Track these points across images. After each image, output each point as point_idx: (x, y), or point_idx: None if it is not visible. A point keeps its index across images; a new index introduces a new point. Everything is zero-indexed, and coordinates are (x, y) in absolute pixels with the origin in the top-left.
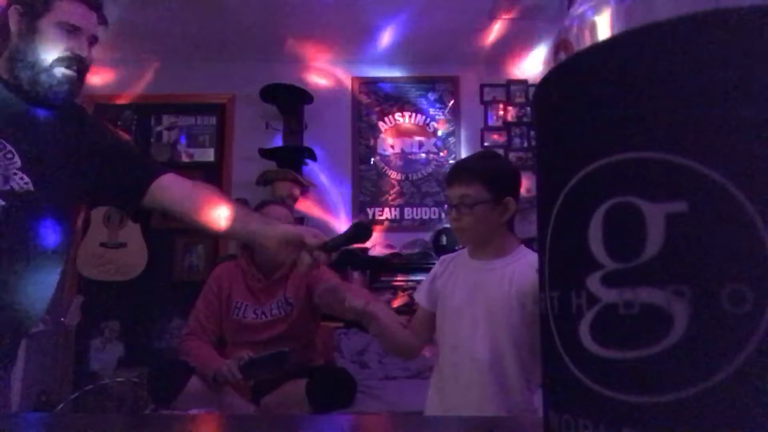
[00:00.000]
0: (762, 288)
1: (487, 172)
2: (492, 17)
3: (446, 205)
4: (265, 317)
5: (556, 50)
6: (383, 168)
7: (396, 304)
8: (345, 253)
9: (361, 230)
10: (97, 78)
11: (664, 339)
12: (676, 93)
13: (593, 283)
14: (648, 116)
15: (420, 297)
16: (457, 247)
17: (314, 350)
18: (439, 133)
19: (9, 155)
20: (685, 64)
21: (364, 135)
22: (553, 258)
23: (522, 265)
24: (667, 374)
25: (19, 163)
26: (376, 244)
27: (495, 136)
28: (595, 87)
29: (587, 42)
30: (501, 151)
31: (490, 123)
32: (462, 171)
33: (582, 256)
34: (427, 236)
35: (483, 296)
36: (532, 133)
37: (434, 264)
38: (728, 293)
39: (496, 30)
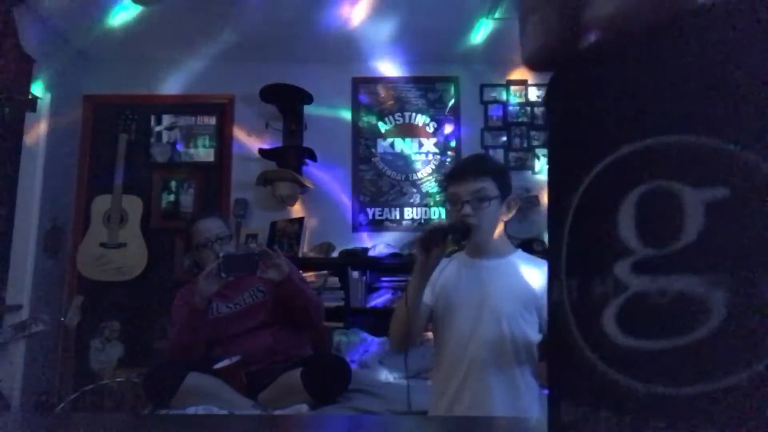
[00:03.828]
0: None
1: (495, 169)
2: (491, 17)
3: (449, 204)
4: (239, 307)
5: (579, 33)
6: (383, 168)
7: (396, 304)
8: (345, 254)
9: None
10: (98, 78)
11: (699, 329)
12: (722, 79)
13: (622, 269)
14: (692, 101)
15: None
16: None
17: (304, 342)
18: (439, 133)
19: None
20: (731, 51)
21: (364, 135)
22: (573, 245)
23: (525, 266)
24: (702, 365)
25: None
26: (376, 244)
27: (495, 137)
28: (637, 70)
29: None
30: (501, 152)
31: (490, 123)
32: (472, 168)
33: (610, 242)
34: None
35: (489, 295)
36: (532, 133)
37: None
38: None
39: (496, 30)
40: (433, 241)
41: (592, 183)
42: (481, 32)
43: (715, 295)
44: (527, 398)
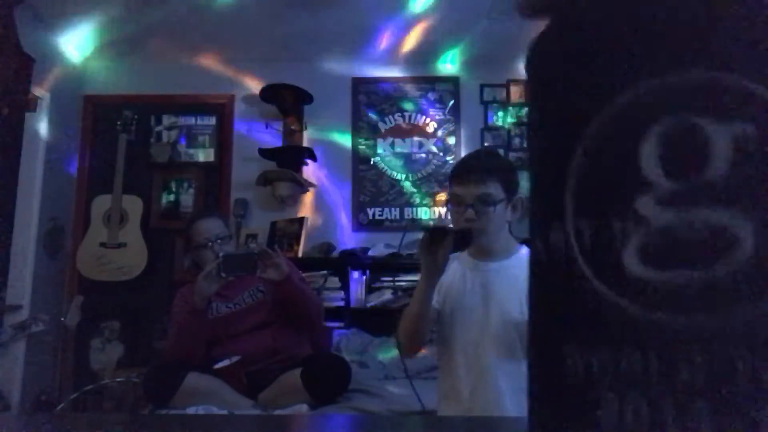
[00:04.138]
0: None
1: (501, 171)
2: (491, 17)
3: (451, 204)
4: (239, 306)
5: None
6: (383, 168)
7: (396, 304)
8: (345, 254)
9: None
10: (98, 78)
11: (729, 259)
12: (750, 18)
13: (645, 205)
14: (715, 38)
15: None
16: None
17: (304, 342)
18: (439, 133)
19: None
20: None
21: (364, 135)
22: (582, 186)
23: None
24: (733, 295)
25: None
26: (376, 244)
27: (495, 137)
28: (659, 4)
29: None
30: (501, 152)
31: (490, 123)
32: (478, 169)
33: (630, 178)
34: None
35: (496, 298)
36: None
37: None
38: None
39: (495, 30)
40: (434, 243)
41: (607, 122)
42: (481, 32)
43: (743, 226)
44: None
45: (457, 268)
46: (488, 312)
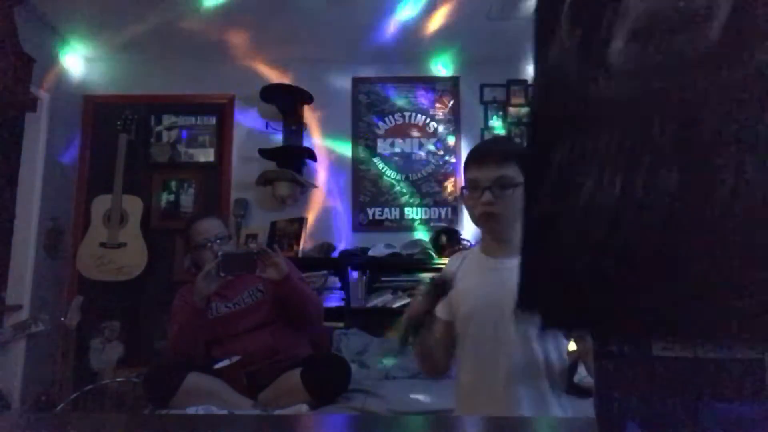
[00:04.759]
0: None
1: (518, 154)
2: (491, 17)
3: (467, 190)
4: (239, 306)
5: None
6: (383, 168)
7: (396, 304)
8: (345, 254)
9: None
10: (98, 78)
11: (700, 32)
12: None
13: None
14: None
15: (438, 309)
16: (462, 244)
17: (304, 342)
18: (439, 133)
19: None
20: None
21: (364, 135)
22: (577, 2)
23: None
24: (701, 63)
25: None
26: (376, 244)
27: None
28: None
29: None
30: None
31: (490, 123)
32: (494, 152)
33: None
34: (427, 236)
35: (507, 299)
36: None
37: (434, 265)
38: None
39: (495, 30)
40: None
41: None
42: (481, 32)
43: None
44: (555, 410)
45: (471, 267)
46: (508, 322)
